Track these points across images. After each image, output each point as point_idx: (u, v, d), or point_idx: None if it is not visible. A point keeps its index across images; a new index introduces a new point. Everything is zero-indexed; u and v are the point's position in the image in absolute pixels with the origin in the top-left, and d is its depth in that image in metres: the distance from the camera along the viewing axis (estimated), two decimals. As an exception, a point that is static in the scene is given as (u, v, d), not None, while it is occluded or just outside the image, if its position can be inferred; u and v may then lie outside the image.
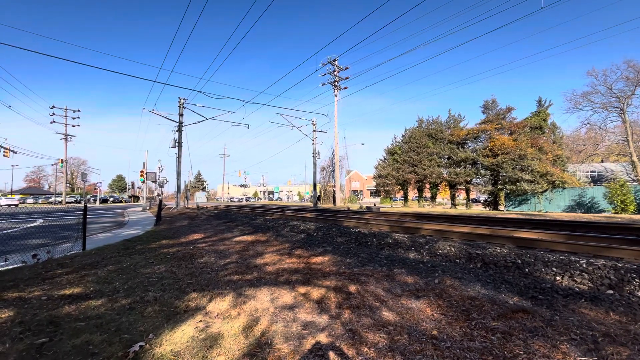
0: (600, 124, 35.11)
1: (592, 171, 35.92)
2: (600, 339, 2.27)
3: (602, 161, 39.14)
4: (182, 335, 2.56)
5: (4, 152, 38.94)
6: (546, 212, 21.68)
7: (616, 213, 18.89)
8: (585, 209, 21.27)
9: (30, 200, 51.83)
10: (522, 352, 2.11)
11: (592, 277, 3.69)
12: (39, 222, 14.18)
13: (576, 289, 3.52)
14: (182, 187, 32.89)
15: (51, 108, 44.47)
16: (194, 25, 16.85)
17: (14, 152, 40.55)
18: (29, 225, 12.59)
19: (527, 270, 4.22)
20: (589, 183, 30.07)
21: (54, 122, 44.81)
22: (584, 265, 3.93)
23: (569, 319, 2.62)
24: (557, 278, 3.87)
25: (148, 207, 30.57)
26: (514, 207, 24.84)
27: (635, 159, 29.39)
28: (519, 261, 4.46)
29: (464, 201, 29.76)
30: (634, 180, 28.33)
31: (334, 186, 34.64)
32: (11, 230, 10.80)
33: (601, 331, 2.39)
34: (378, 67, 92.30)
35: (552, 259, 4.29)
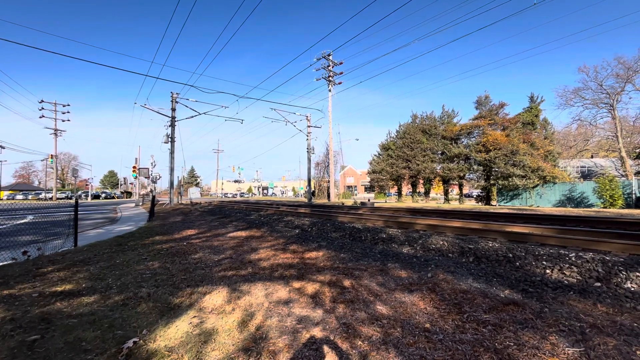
0: (591, 120, 35.60)
1: (582, 166, 36.48)
2: (588, 330, 2.33)
3: (592, 157, 39.78)
4: (176, 330, 2.55)
5: (-9, 147, 38.06)
6: (537, 206, 22.03)
7: (605, 207, 19.28)
8: (575, 204, 21.66)
9: (20, 197, 50.79)
10: (512, 344, 2.16)
11: (581, 270, 3.77)
12: (29, 218, 13.94)
13: (565, 281, 3.59)
14: (176, 182, 32.59)
15: (40, 102, 43.40)
16: (186, 18, 16.57)
17: (2, 147, 39.73)
18: (19, 222, 12.37)
19: (518, 263, 4.29)
20: (579, 178, 30.53)
21: (43, 116, 43.76)
22: (573, 259, 4.01)
23: (557, 311, 2.68)
24: (547, 271, 3.94)
25: (141, 203, 30.27)
26: (506, 202, 25.17)
27: (624, 154, 29.94)
28: (510, 255, 4.53)
29: (457, 196, 30.09)
30: (622, 176, 28.88)
31: (329, 182, 34.69)
32: (0, 227, 10.60)
33: (589, 322, 2.45)
34: (373, 62, 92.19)
35: (542, 252, 4.37)
